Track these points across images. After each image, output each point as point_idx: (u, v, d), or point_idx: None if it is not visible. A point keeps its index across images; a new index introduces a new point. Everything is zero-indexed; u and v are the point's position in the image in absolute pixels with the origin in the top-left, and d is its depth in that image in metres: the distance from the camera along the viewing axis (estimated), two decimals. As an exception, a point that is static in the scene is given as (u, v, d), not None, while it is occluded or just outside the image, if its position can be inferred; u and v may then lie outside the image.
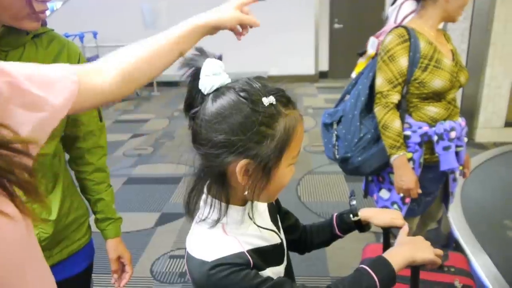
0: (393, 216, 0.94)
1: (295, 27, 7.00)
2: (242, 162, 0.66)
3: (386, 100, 1.51)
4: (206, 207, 0.73)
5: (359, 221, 0.94)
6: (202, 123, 0.67)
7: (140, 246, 2.61)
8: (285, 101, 0.69)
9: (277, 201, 0.91)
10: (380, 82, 1.54)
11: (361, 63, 1.72)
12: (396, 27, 1.54)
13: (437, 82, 1.48)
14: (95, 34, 6.73)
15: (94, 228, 1.23)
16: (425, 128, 1.53)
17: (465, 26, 3.72)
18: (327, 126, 1.79)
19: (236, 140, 0.65)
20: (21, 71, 0.55)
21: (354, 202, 0.96)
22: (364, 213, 0.95)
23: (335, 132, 1.73)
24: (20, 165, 0.44)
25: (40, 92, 0.56)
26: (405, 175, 1.52)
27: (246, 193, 0.69)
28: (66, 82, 0.62)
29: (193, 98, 0.70)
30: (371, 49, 1.73)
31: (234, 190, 0.71)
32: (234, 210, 0.73)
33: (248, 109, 0.65)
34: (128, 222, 2.81)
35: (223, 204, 0.71)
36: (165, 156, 4.12)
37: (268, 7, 6.93)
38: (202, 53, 0.71)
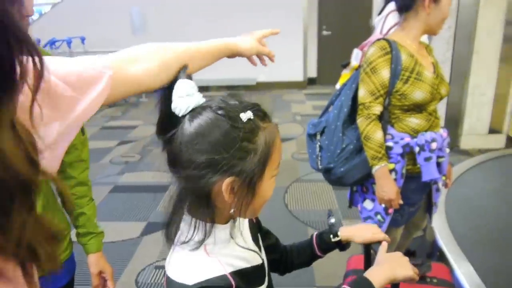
0: (373, 231, 0.95)
1: (283, 34, 6.93)
2: (228, 180, 0.65)
3: (368, 112, 1.53)
4: (190, 229, 0.71)
5: (339, 240, 0.95)
6: (182, 146, 0.66)
7: (126, 257, 2.58)
8: (262, 115, 0.69)
9: (257, 220, 0.91)
10: (362, 94, 1.56)
11: (345, 75, 1.74)
12: (378, 39, 1.56)
13: (418, 94, 1.50)
14: (83, 40, 6.68)
15: (74, 239, 1.21)
16: (407, 139, 1.55)
17: (450, 35, 3.78)
18: (311, 137, 1.80)
19: (220, 158, 0.64)
20: (56, 71, 0.53)
21: (332, 221, 0.97)
22: (344, 232, 0.95)
23: (319, 143, 1.75)
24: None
25: (74, 93, 0.55)
26: (387, 185, 1.53)
27: (232, 211, 0.68)
28: (101, 78, 0.60)
29: (166, 120, 0.70)
30: (354, 61, 1.75)
31: (219, 209, 0.70)
32: (220, 229, 0.72)
33: (227, 126, 0.65)
34: (113, 231, 2.80)
35: (208, 225, 0.70)
36: (152, 164, 4.09)
37: (257, 13, 6.98)
38: None
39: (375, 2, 7.45)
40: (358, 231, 0.96)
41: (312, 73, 7.64)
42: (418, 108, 1.53)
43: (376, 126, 1.53)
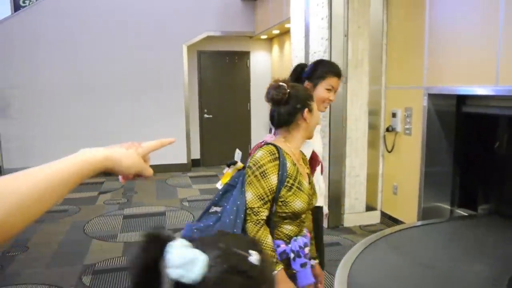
0: None
1: (167, 118, 7.00)
2: None
3: (258, 218, 1.52)
4: None
5: None
6: None
7: None
8: (259, 248, 0.66)
9: None
10: (250, 198, 1.54)
11: (228, 174, 1.67)
12: (267, 143, 1.60)
13: (297, 203, 1.55)
14: None
15: None
16: (283, 246, 1.57)
17: (325, 123, 4.16)
18: None
19: None
20: None
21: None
22: None
23: None
24: None
25: None
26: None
27: None
28: None
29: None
30: (240, 161, 1.73)
31: None
32: None
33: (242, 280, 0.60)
34: None
35: None
36: (17, 275, 3.39)
37: (140, 98, 6.86)
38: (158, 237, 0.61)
39: (253, 88, 8.01)
40: None
41: (196, 155, 7.63)
42: (294, 216, 1.58)
43: (266, 231, 1.53)
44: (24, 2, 7.91)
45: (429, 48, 3.61)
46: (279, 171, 1.53)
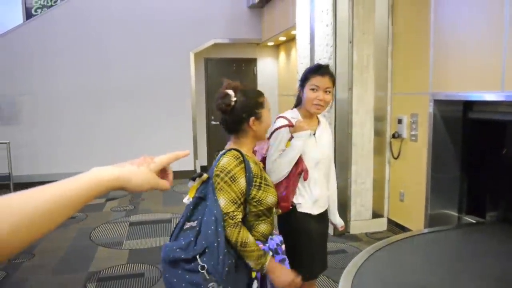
0: None
1: (174, 124, 7.04)
2: None
3: (235, 221, 1.55)
4: None
5: None
6: None
7: None
8: None
9: None
10: (224, 203, 1.55)
11: (194, 187, 1.61)
12: (229, 149, 1.65)
13: (269, 198, 1.65)
14: None
15: None
16: (261, 246, 1.62)
17: (331, 130, 4.13)
18: (178, 262, 1.52)
19: None
20: None
21: None
22: None
23: (201, 264, 1.50)
24: None
25: None
26: (282, 273, 1.59)
27: None
28: None
29: None
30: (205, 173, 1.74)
31: None
32: None
33: None
34: None
35: None
36: (23, 282, 3.41)
37: (147, 105, 6.91)
38: None
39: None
40: None
41: (203, 161, 7.65)
42: (268, 212, 1.67)
43: (245, 231, 1.57)
44: (36, 11, 8.05)
45: (434, 54, 3.59)
46: (246, 173, 1.59)
